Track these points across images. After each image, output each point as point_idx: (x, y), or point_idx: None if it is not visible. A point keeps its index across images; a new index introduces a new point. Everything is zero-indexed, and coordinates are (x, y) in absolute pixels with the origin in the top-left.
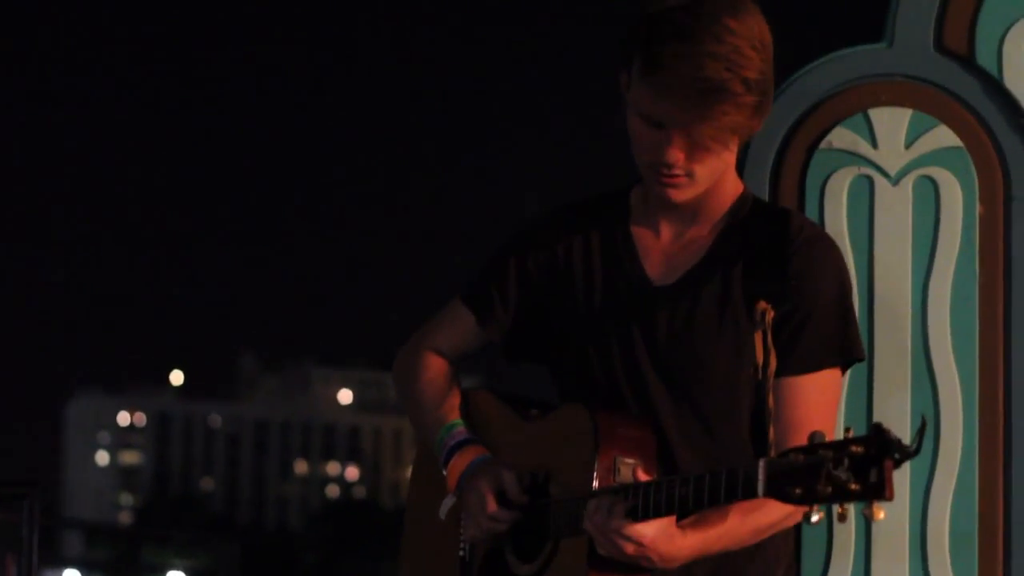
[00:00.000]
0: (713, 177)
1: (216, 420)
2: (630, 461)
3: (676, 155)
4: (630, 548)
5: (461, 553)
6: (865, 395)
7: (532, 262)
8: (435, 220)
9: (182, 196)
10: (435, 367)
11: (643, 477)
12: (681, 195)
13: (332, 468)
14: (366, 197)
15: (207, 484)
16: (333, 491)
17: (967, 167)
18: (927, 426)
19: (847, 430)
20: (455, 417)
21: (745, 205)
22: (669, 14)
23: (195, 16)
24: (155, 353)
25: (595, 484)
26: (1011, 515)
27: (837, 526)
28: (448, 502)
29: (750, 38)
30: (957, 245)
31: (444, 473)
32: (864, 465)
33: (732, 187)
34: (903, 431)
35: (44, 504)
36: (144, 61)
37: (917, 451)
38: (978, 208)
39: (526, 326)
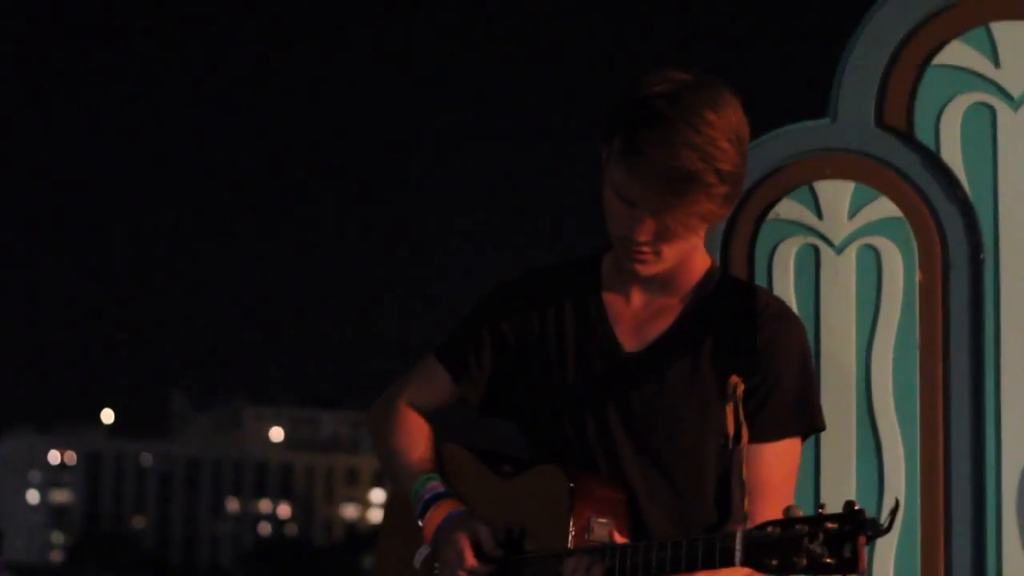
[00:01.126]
0: (680, 256)
1: (147, 458)
2: (603, 521)
3: (645, 235)
4: None
5: None
6: (812, 453)
7: (507, 324)
8: (367, 260)
9: (112, 234)
10: (410, 420)
11: (618, 538)
12: (648, 270)
13: (264, 506)
14: (299, 236)
15: (139, 522)
16: (265, 528)
17: (907, 236)
18: (898, 505)
19: (821, 506)
20: (430, 470)
21: (713, 279)
22: (651, 101)
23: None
24: (85, 392)
25: (571, 543)
26: (951, 571)
27: None
28: (423, 552)
29: (727, 131)
30: (898, 310)
31: (420, 524)
32: (838, 540)
33: (701, 261)
34: (848, 489)
35: None
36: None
37: (888, 529)
38: (918, 275)
39: (500, 386)
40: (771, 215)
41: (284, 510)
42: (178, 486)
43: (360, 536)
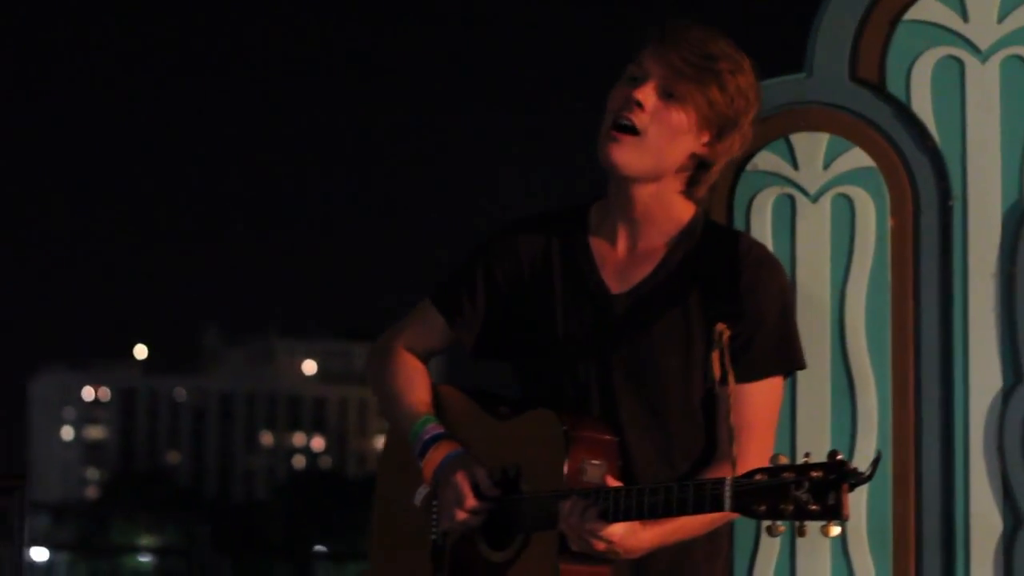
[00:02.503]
0: (660, 156)
1: (181, 394)
2: (596, 463)
3: (647, 93)
4: (600, 545)
5: (433, 538)
6: (789, 393)
7: (498, 269)
8: (398, 195)
9: (145, 173)
10: (407, 363)
11: (611, 481)
12: (624, 154)
13: (298, 439)
14: (329, 172)
15: (173, 458)
16: (299, 462)
17: (879, 185)
18: (881, 457)
19: (806, 455)
20: (428, 412)
21: (697, 225)
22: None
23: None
24: (118, 328)
25: (565, 484)
26: (922, 510)
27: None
28: (423, 491)
29: (750, 77)
30: (871, 255)
31: (419, 463)
32: (823, 488)
33: (684, 207)
34: (822, 429)
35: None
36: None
37: (870, 478)
38: (889, 221)
39: (493, 328)
40: (749, 166)
41: (318, 443)
42: (212, 421)
43: None
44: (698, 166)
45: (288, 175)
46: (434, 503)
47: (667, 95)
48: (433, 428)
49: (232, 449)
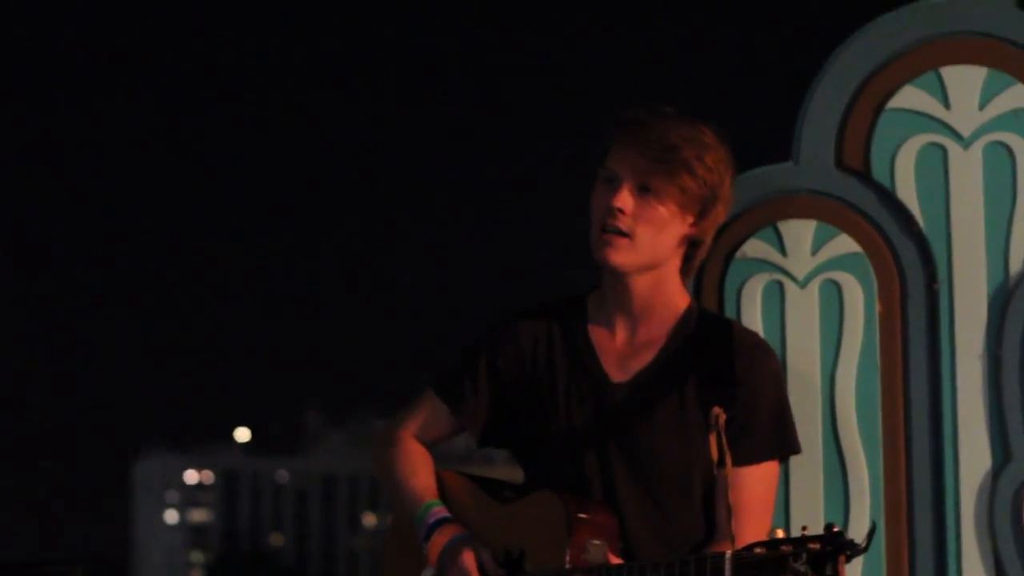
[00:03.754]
0: (652, 250)
1: (283, 475)
2: (598, 543)
3: (624, 199)
4: None
5: None
6: (783, 475)
7: (500, 358)
8: (500, 272)
9: (243, 250)
10: (412, 449)
11: (612, 559)
12: (619, 256)
13: None
14: (443, 246)
15: (276, 539)
16: None
17: (867, 270)
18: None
19: (803, 528)
20: (433, 496)
21: (692, 314)
22: (651, 109)
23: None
24: (220, 411)
25: (568, 564)
26: None
27: None
28: (428, 573)
29: (716, 146)
30: (860, 339)
31: (424, 547)
32: (820, 560)
33: (679, 295)
34: (816, 509)
35: (105, 571)
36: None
37: (866, 549)
38: (877, 306)
39: (497, 416)
40: (738, 254)
41: None
42: (314, 502)
43: None
44: (691, 243)
45: (383, 257)
46: None
47: (643, 190)
48: (438, 512)
49: (335, 530)
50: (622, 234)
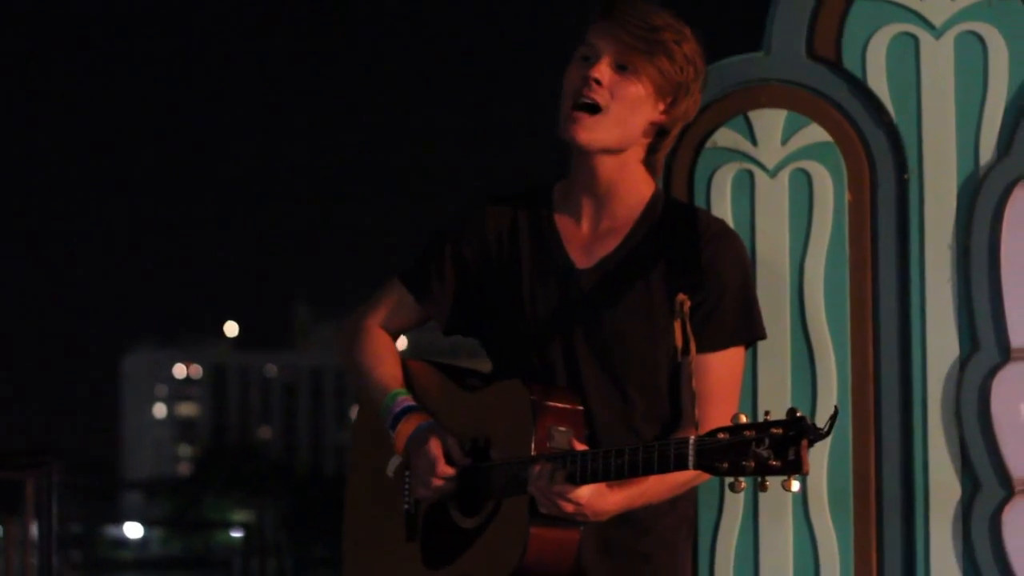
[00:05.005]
0: (622, 130)
1: (272, 369)
2: (563, 430)
3: (603, 70)
4: (569, 508)
5: (406, 507)
6: (751, 363)
7: (466, 246)
8: (491, 164)
9: (232, 151)
10: (378, 338)
11: (577, 446)
12: (587, 134)
13: None
14: (417, 149)
15: (265, 433)
16: None
17: (837, 160)
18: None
19: (766, 413)
20: (399, 385)
21: (658, 202)
22: None
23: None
24: (209, 306)
25: (533, 450)
26: (882, 477)
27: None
28: (395, 462)
29: (692, 38)
30: (829, 229)
31: (391, 436)
32: (783, 445)
33: (644, 182)
34: (783, 397)
35: (92, 463)
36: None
37: (828, 433)
38: (847, 196)
39: (462, 304)
40: (709, 143)
41: None
42: (302, 396)
43: None
44: (657, 133)
45: (375, 155)
46: (406, 473)
47: (620, 68)
48: (404, 400)
49: (323, 424)
50: (595, 109)
